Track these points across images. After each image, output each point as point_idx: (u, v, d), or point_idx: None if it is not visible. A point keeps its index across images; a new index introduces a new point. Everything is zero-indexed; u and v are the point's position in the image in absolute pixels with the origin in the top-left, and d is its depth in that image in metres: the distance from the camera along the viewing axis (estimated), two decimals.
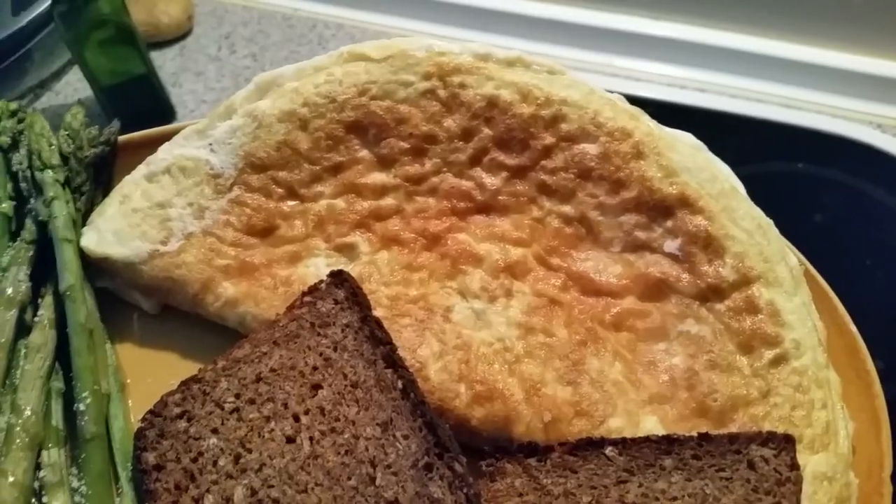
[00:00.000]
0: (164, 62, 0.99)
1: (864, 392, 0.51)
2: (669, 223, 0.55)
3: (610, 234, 0.56)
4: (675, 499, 0.45)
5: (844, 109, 0.87)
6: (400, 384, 0.50)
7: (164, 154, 0.61)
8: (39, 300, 0.58)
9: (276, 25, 0.70)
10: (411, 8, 1.03)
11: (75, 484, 0.52)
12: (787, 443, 0.45)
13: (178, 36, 1.08)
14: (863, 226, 0.89)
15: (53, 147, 0.61)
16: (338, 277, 0.55)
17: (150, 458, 0.52)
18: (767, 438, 0.45)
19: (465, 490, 0.46)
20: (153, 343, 0.60)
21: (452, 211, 0.59)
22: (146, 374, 0.58)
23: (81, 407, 0.53)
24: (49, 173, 0.60)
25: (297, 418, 0.51)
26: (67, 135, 0.62)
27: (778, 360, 0.50)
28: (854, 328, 0.54)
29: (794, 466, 0.44)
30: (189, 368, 0.57)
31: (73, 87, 1.05)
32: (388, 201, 0.59)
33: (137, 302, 0.60)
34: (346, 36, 0.82)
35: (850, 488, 0.47)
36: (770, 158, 0.83)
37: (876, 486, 0.47)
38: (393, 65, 0.60)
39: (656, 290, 0.54)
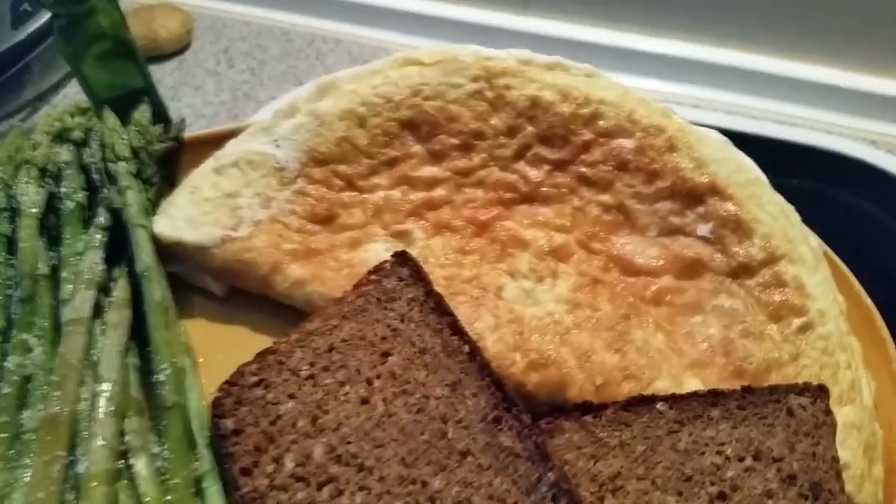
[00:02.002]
0: (163, 76, 1.01)
1: (881, 357, 0.57)
2: (701, 209, 0.61)
3: (646, 221, 0.62)
4: (723, 444, 0.50)
5: (838, 126, 0.91)
6: (466, 348, 0.55)
7: (232, 149, 0.66)
8: (112, 283, 0.62)
9: (274, 40, 0.72)
10: (410, 24, 1.07)
11: (156, 449, 0.56)
12: (821, 392, 0.50)
13: (176, 50, 1.11)
14: (857, 242, 0.92)
15: (125, 141, 0.65)
16: (401, 257, 0.60)
17: (229, 423, 0.56)
18: (804, 388, 0.51)
19: (533, 438, 0.50)
20: (222, 323, 0.64)
21: (499, 201, 0.64)
22: (216, 352, 0.61)
23: (161, 377, 0.57)
24: (122, 165, 0.64)
25: (369, 382, 0.55)
26: (137, 130, 0.66)
27: (805, 328, 0.55)
28: (869, 301, 0.60)
29: (829, 412, 0.50)
30: (257, 346, 0.61)
31: (72, 99, 1.08)
32: (440, 192, 0.64)
33: (207, 285, 0.64)
34: (344, 51, 0.85)
35: (875, 437, 0.52)
36: (764, 174, 0.88)
37: None
38: (444, 68, 0.65)
39: (691, 269, 0.60)
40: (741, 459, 0.49)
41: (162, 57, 1.11)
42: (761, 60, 0.94)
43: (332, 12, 1.11)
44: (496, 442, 0.51)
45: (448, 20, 1.04)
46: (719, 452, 0.50)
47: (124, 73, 0.83)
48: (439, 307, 0.57)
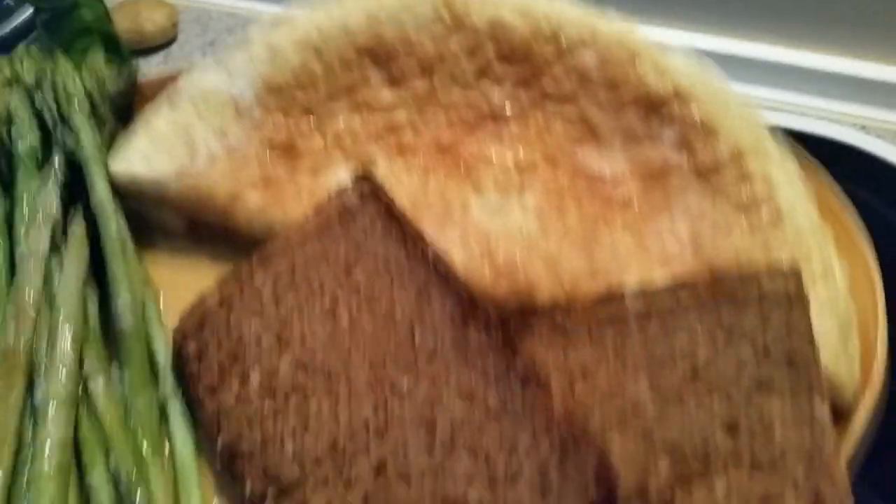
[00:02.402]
0: (149, 69, 1.01)
1: (853, 246, 0.56)
2: (665, 115, 0.60)
3: (611, 131, 0.61)
4: (694, 327, 0.49)
5: (828, 111, 0.89)
6: (430, 253, 0.53)
7: (185, 84, 0.65)
8: (69, 222, 0.61)
9: None
10: None
11: (117, 376, 0.54)
12: (793, 271, 0.49)
13: (162, 43, 1.11)
14: None
15: (78, 83, 0.64)
16: (362, 177, 0.59)
17: (192, 346, 0.55)
18: (775, 270, 0.50)
19: (500, 331, 0.49)
20: (183, 258, 0.63)
21: (462, 122, 0.63)
22: (178, 287, 0.60)
23: (119, 306, 0.56)
24: (75, 106, 0.63)
25: (334, 296, 0.54)
26: (90, 73, 0.65)
27: (774, 218, 0.55)
28: (839, 189, 0.59)
29: (801, 289, 0.49)
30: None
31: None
32: (401, 116, 0.64)
33: (165, 222, 0.63)
34: None
35: (849, 314, 0.52)
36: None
37: (871, 315, 0.52)
38: None
39: (657, 173, 0.59)
40: (712, 339, 0.48)
41: (148, 50, 1.11)
42: (749, 46, 0.93)
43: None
44: (463, 340, 0.50)
45: None
46: (690, 336, 0.49)
47: None
48: (402, 220, 0.56)
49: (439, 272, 0.52)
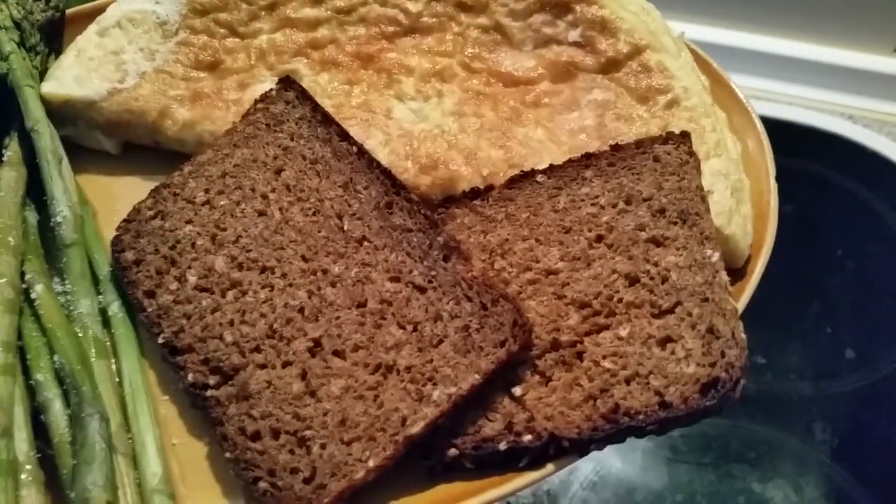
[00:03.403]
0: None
1: (747, 121, 0.61)
2: (570, 17, 0.64)
3: (521, 36, 0.65)
4: (597, 196, 0.53)
5: (816, 101, 0.91)
6: (355, 149, 0.56)
7: (113, 11, 0.66)
8: (3, 149, 0.62)
9: None
10: None
11: (59, 288, 0.56)
12: (683, 137, 0.54)
13: None
14: (834, 216, 0.94)
15: (4, 12, 0.65)
16: (286, 82, 0.61)
17: (129, 255, 0.57)
18: (667, 137, 0.54)
19: (422, 212, 0.53)
20: (117, 177, 0.65)
21: (382, 35, 0.66)
22: (114, 203, 0.62)
23: (59, 219, 0.57)
24: (2, 33, 0.64)
25: (265, 197, 0.57)
26: (16, 2, 0.66)
27: (671, 104, 0.59)
28: (728, 77, 0.64)
29: (692, 153, 0.53)
30: None
31: None
32: (323, 32, 0.66)
33: (100, 144, 0.65)
34: None
35: (742, 182, 0.56)
36: None
37: (765, 185, 0.57)
38: None
39: (565, 72, 0.63)
40: (614, 206, 0.52)
41: None
42: (737, 36, 0.94)
43: None
44: (389, 224, 0.53)
45: None
46: (594, 204, 0.53)
47: None
48: (326, 120, 0.58)
49: (364, 164, 0.55)
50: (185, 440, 0.51)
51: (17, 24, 0.65)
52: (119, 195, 0.63)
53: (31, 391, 0.50)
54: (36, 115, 0.61)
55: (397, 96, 0.63)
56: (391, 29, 0.66)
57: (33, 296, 0.54)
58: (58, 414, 0.49)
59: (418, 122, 0.61)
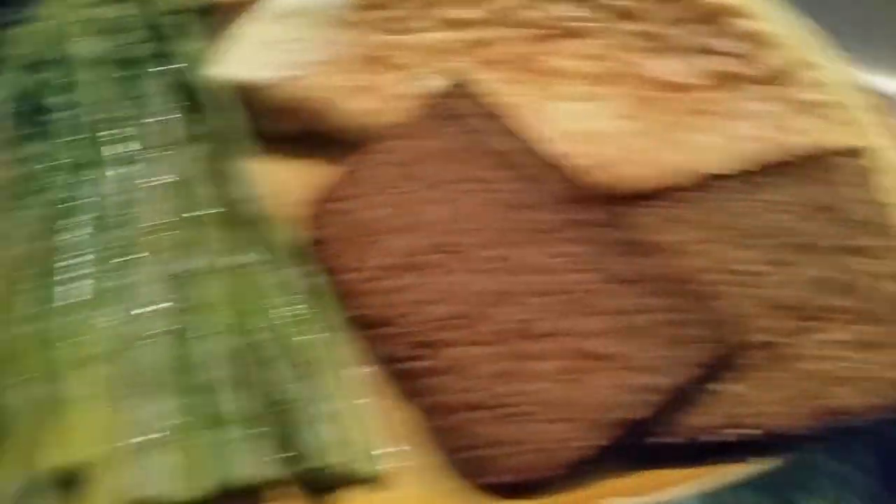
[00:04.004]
0: None
1: None
2: (725, 28, 0.67)
3: (677, 44, 0.68)
4: (778, 203, 0.56)
5: None
6: (537, 145, 0.60)
7: (282, 0, 0.69)
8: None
9: None
10: None
11: (253, 258, 0.59)
12: (857, 150, 0.57)
13: None
14: None
15: None
16: (461, 81, 0.64)
17: (319, 232, 0.60)
18: (842, 149, 0.58)
19: (608, 209, 0.56)
20: (283, 162, 0.67)
21: (538, 38, 0.69)
22: (289, 184, 0.64)
23: (251, 195, 0.61)
24: (182, 17, 0.67)
25: (446, 186, 0.60)
26: None
27: (835, 117, 0.63)
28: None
29: (868, 165, 0.57)
30: (327, 176, 0.64)
31: None
32: (483, 33, 0.69)
33: (271, 126, 0.67)
34: None
35: None
36: None
37: None
38: None
39: (725, 81, 0.66)
40: (797, 212, 0.56)
41: None
42: None
43: None
44: (573, 219, 0.56)
45: None
46: (776, 210, 0.56)
47: None
48: (506, 116, 0.61)
49: (546, 161, 0.59)
50: (389, 406, 0.54)
51: (187, 9, 0.68)
52: (289, 175, 0.66)
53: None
54: (217, 100, 0.64)
55: (559, 97, 0.66)
56: (549, 32, 0.69)
57: (235, 263, 0.57)
58: (276, 374, 0.51)
59: (582, 122, 0.64)
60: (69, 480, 0.45)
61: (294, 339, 0.52)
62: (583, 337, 0.51)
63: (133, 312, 0.53)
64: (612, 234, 0.55)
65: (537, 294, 0.53)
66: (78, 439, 0.45)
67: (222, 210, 0.60)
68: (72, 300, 0.54)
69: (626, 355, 0.51)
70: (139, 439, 0.47)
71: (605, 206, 0.55)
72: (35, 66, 0.66)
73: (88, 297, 0.54)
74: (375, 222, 0.59)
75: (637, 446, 0.49)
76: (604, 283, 0.53)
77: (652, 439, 0.49)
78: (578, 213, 0.55)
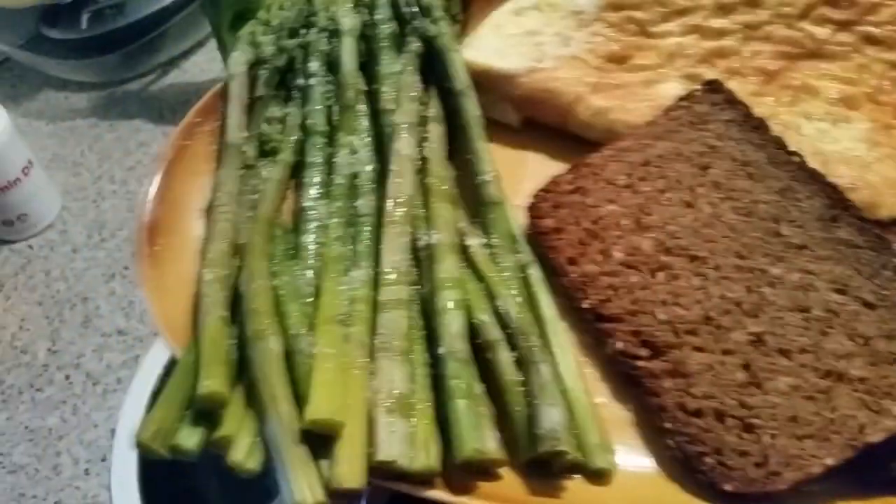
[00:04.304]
0: None
1: None
2: None
3: None
4: None
5: None
6: (795, 158, 0.58)
7: None
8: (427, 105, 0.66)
9: None
10: None
11: (483, 239, 0.59)
12: None
13: None
14: None
15: None
16: (713, 85, 0.63)
17: (549, 222, 0.60)
18: None
19: (873, 231, 0.53)
20: (517, 149, 0.68)
21: (784, 55, 0.68)
22: (513, 174, 0.65)
23: (486, 178, 0.61)
24: None
25: (691, 190, 0.59)
26: None
27: None
28: None
29: None
30: (551, 170, 0.65)
31: (200, 67, 1.17)
32: (728, 42, 0.68)
33: (503, 115, 0.69)
34: None
35: None
36: None
37: None
38: None
39: None
40: None
41: None
42: None
43: None
44: (834, 237, 0.54)
45: None
46: None
47: None
48: (761, 125, 0.60)
49: (805, 174, 0.57)
50: (609, 401, 0.53)
51: None
52: (519, 168, 0.67)
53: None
54: (464, 80, 0.65)
55: (804, 115, 0.64)
56: (795, 50, 0.68)
57: (468, 243, 0.58)
58: (505, 355, 0.52)
59: (829, 143, 0.62)
60: (311, 435, 0.46)
61: (520, 324, 0.52)
62: (830, 356, 0.50)
63: (378, 278, 0.54)
64: (875, 257, 0.52)
65: (787, 309, 0.52)
66: (322, 396, 0.46)
67: (459, 190, 0.60)
68: (319, 260, 0.56)
69: (871, 379, 0.49)
70: (381, 403, 0.47)
71: (873, 230, 0.53)
72: (293, 30, 0.69)
73: (335, 258, 0.55)
74: (612, 218, 0.58)
75: (871, 471, 0.47)
76: (858, 306, 0.51)
77: (884, 466, 0.47)
78: (839, 233, 0.53)
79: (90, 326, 0.88)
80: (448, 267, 0.55)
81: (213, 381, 0.46)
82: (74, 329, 0.88)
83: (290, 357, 0.49)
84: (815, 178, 0.56)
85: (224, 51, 0.80)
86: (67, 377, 0.84)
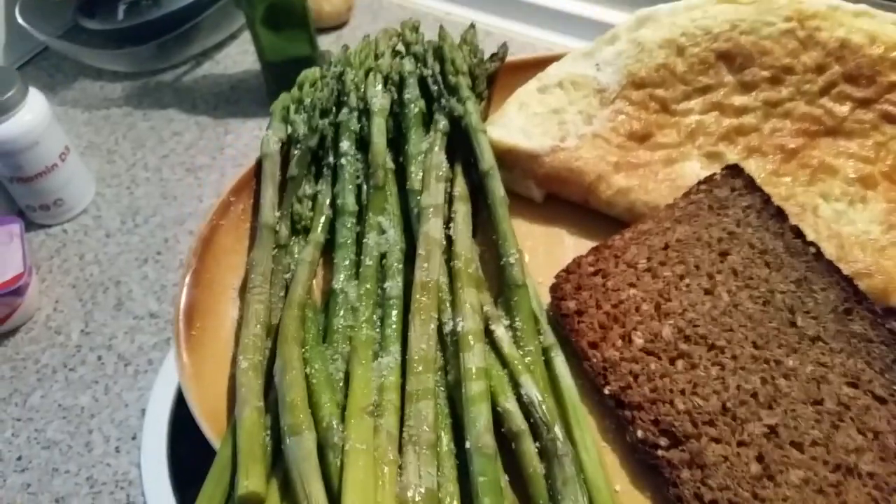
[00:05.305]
0: (322, 48, 1.10)
1: None
2: None
3: None
4: None
5: None
6: (812, 249, 0.59)
7: (555, 71, 0.72)
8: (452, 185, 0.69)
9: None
10: (561, 24, 1.14)
11: (507, 322, 0.62)
12: None
13: (335, 25, 1.20)
14: None
15: (464, 58, 0.72)
16: (733, 169, 0.65)
17: (571, 304, 0.62)
18: None
19: (886, 326, 0.55)
20: (541, 225, 0.70)
21: (804, 132, 0.69)
22: (536, 250, 0.68)
23: (511, 260, 0.63)
24: (462, 78, 0.71)
25: (710, 277, 0.61)
26: (469, 49, 0.73)
27: None
28: None
29: None
30: (574, 247, 0.67)
31: (233, 59, 1.21)
32: (749, 120, 0.70)
33: (527, 191, 0.71)
34: (493, 42, 0.85)
35: None
36: None
37: None
38: (758, 8, 0.71)
39: None
40: None
41: (321, 30, 1.21)
42: None
43: (489, 5, 1.20)
44: (848, 330, 0.56)
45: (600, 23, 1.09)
46: None
47: (295, 40, 0.89)
48: (779, 214, 0.62)
49: (822, 266, 0.58)
50: (627, 488, 0.55)
51: (471, 71, 0.72)
52: (542, 244, 0.69)
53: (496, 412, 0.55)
54: (490, 161, 0.67)
55: (822, 195, 0.66)
56: (814, 127, 0.69)
57: (493, 328, 0.60)
58: (529, 447, 0.54)
59: (845, 224, 0.64)
60: None
61: (543, 413, 0.54)
62: (843, 451, 0.51)
63: (406, 366, 0.56)
64: (887, 352, 0.54)
65: (800, 401, 0.53)
66: (356, 498, 0.47)
67: (483, 266, 0.63)
68: (348, 345, 0.58)
69: (881, 475, 0.50)
70: (411, 500, 0.49)
71: (887, 325, 0.54)
72: (325, 110, 0.72)
73: (364, 343, 0.58)
74: (632, 303, 0.60)
75: None
76: (869, 401, 0.53)
77: None
78: (853, 327, 0.55)
79: (122, 309, 0.92)
80: (475, 356, 0.57)
81: (252, 482, 0.49)
82: (107, 311, 0.92)
83: (323, 450, 0.52)
84: (831, 270, 0.58)
85: (257, 43, 0.82)
86: (100, 358, 0.88)
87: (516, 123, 0.70)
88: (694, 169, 0.67)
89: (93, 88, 1.23)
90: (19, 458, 0.79)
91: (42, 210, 1.00)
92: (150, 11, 1.15)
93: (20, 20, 1.16)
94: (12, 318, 0.89)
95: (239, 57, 1.22)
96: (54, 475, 0.78)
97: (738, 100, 0.70)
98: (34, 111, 0.92)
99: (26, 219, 1.00)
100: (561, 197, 0.71)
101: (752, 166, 0.67)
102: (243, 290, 0.64)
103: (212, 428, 0.56)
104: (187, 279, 0.63)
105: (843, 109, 0.69)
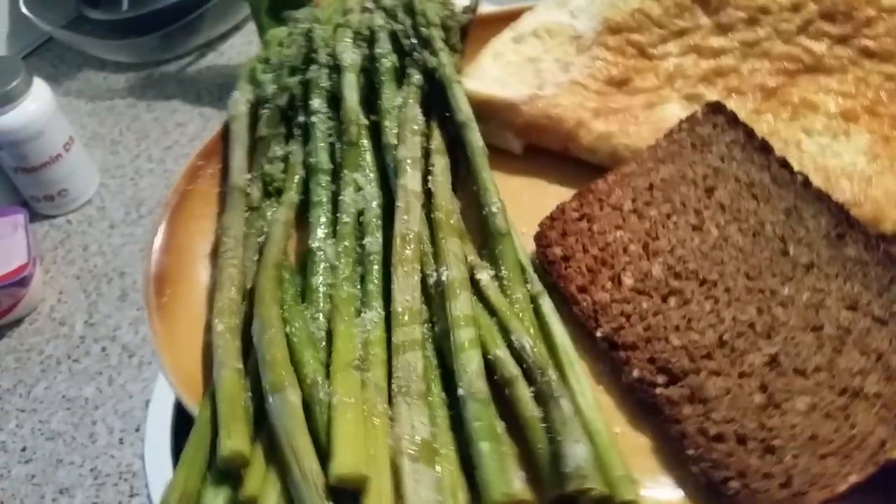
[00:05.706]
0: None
1: None
2: None
3: None
4: None
5: None
6: (799, 178, 0.58)
7: (529, 20, 0.71)
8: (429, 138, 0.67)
9: None
10: None
11: (492, 271, 0.60)
12: None
13: None
14: None
15: (433, 10, 0.70)
16: (714, 106, 0.64)
17: (557, 251, 0.60)
18: None
19: (881, 247, 0.54)
20: (520, 176, 0.69)
21: (783, 71, 0.68)
22: (517, 201, 0.65)
23: (493, 209, 0.61)
24: (435, 30, 0.69)
25: (697, 213, 0.59)
26: (440, 2, 0.72)
27: None
28: None
29: None
30: (556, 195, 0.65)
31: (237, 49, 1.20)
32: (727, 61, 0.69)
33: (506, 143, 0.69)
34: None
35: None
36: None
37: None
38: None
39: None
40: None
41: None
42: None
43: None
44: (842, 255, 0.54)
45: None
46: None
47: None
48: (763, 146, 0.60)
49: (811, 194, 0.57)
50: (626, 430, 0.54)
51: (443, 24, 0.70)
52: (523, 194, 0.67)
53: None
54: (467, 112, 0.65)
55: (805, 130, 0.65)
56: (793, 66, 0.68)
57: (479, 277, 0.58)
58: (524, 391, 0.52)
59: (830, 157, 0.63)
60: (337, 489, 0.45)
61: (536, 358, 0.52)
62: (845, 374, 0.50)
63: (392, 319, 0.54)
64: (883, 273, 0.53)
65: (800, 329, 0.52)
66: (346, 450, 0.45)
67: (465, 220, 0.61)
68: (329, 303, 0.56)
69: (887, 395, 0.49)
70: (405, 451, 0.47)
71: (881, 246, 0.53)
72: (294, 68, 0.69)
73: (346, 300, 0.55)
74: (619, 244, 0.59)
75: (885, 486, 0.48)
76: (869, 322, 0.51)
77: None
78: (847, 251, 0.54)
79: (126, 300, 0.90)
80: (462, 304, 0.55)
81: (235, 441, 0.46)
82: (111, 302, 0.90)
83: (308, 407, 0.49)
84: (821, 197, 0.57)
85: (262, 34, 0.80)
86: (104, 349, 0.86)
87: (492, 74, 0.68)
88: (674, 111, 0.66)
89: (97, 79, 1.21)
90: (23, 450, 0.78)
91: (46, 200, 0.99)
92: (155, 2, 1.14)
93: (25, 10, 1.14)
94: (16, 308, 0.87)
95: (243, 48, 1.20)
96: (58, 466, 0.76)
97: (716, 41, 0.69)
98: (39, 101, 0.91)
99: (30, 209, 0.99)
100: (541, 147, 0.69)
101: (733, 106, 0.66)
102: (215, 255, 0.61)
103: (189, 395, 0.54)
104: (155, 245, 0.60)
105: (821, 47, 0.68)
